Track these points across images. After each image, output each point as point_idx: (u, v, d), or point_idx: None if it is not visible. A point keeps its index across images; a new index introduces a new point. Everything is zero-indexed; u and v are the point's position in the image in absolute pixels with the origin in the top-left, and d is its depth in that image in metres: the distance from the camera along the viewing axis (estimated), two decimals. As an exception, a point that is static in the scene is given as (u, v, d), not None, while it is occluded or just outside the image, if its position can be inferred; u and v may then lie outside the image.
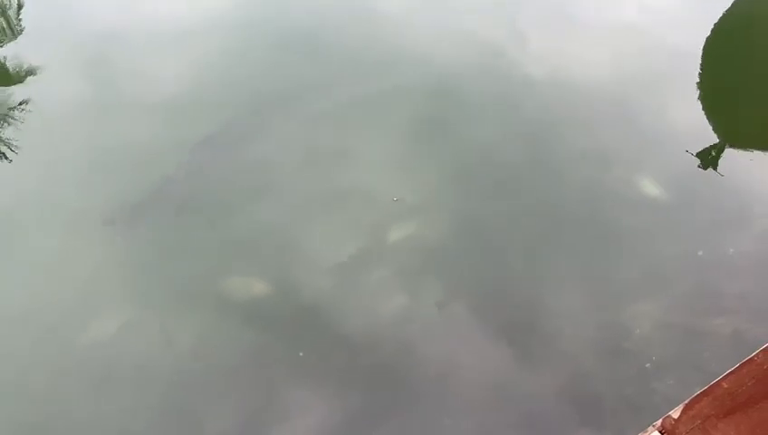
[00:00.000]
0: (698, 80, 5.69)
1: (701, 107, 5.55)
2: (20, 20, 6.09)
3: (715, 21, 6.17)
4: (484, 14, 6.42)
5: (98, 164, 4.71)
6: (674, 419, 2.05)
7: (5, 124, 5.07)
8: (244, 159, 4.79)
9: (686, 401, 1.97)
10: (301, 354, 3.68)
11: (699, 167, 4.91)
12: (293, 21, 6.16)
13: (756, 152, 5.15)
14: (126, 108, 5.19)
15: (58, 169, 4.72)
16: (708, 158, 5.05)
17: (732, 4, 6.34)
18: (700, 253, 4.20)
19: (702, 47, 5.93)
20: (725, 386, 1.85)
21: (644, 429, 2.19)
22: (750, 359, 1.75)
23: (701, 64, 5.80)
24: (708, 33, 6.06)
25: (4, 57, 5.66)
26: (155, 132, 4.93)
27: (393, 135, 5.05)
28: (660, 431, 2.09)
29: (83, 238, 4.27)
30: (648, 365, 3.67)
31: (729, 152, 5.10)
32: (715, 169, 4.93)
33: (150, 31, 5.94)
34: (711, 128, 5.33)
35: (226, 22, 6.04)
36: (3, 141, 4.93)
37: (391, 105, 5.29)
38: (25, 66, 5.55)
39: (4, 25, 5.94)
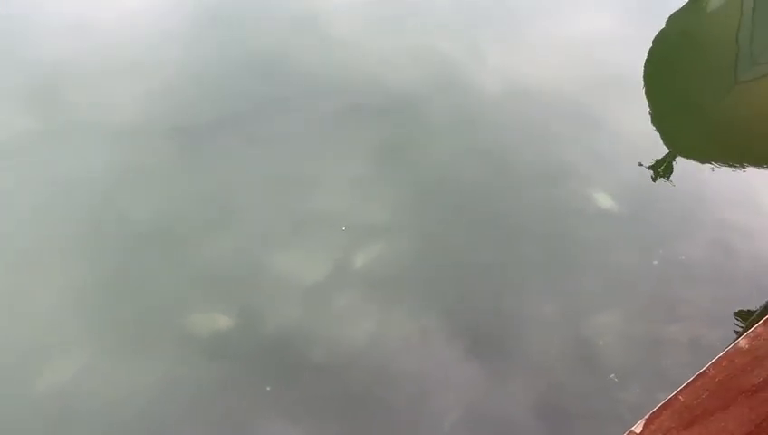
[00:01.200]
0: (645, 94, 5.91)
1: (650, 120, 5.76)
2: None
3: (652, 38, 6.46)
4: (439, 33, 6.54)
5: (47, 195, 4.56)
6: (636, 433, 2.09)
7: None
8: (199, 187, 4.71)
9: (646, 416, 2.02)
10: (268, 389, 3.61)
11: (652, 178, 5.09)
12: (248, 45, 6.14)
13: (704, 162, 5.37)
14: (76, 137, 5.03)
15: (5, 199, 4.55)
16: (659, 169, 5.24)
17: (666, 22, 6.65)
18: (655, 262, 4.33)
19: (644, 64, 6.19)
20: (682, 399, 1.90)
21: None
22: (703, 372, 1.80)
23: (645, 79, 6.04)
24: (648, 49, 6.33)
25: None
26: (105, 162, 4.79)
27: (352, 157, 5.06)
28: (624, 447, 2.13)
29: (35, 275, 4.11)
30: (612, 376, 3.75)
31: (679, 163, 5.30)
32: (667, 178, 5.11)
33: (102, 57, 5.81)
34: (661, 140, 5.54)
35: (180, 48, 5.97)
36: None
37: (349, 127, 5.30)
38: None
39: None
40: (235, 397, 3.60)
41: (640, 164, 5.17)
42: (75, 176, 4.66)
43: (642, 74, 6.08)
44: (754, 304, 4.19)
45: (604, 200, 4.76)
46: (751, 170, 5.33)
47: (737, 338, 1.69)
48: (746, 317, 4.16)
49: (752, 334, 1.60)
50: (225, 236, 4.35)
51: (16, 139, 4.96)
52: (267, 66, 5.86)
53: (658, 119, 5.79)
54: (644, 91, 5.93)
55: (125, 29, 6.08)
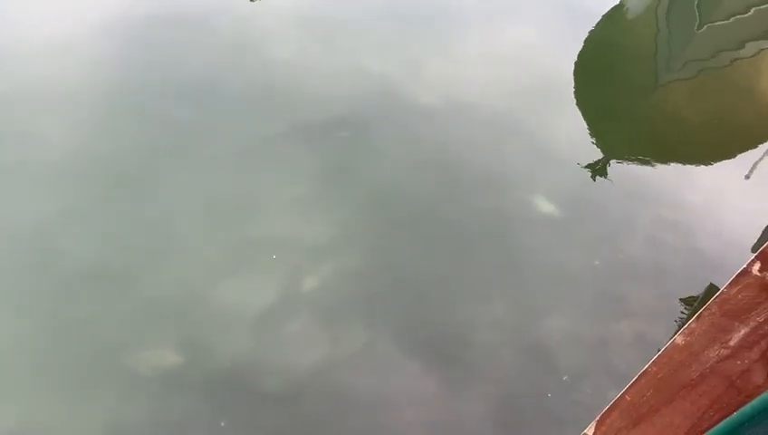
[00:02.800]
0: (576, 102, 6.16)
1: (583, 126, 5.99)
2: None
3: (578, 49, 6.75)
4: (376, 51, 6.61)
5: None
6: (589, 436, 2.14)
7: None
8: (140, 216, 4.55)
9: (596, 418, 2.07)
10: (222, 424, 3.49)
11: (591, 178, 5.29)
12: (186, 70, 6.02)
13: (635, 162, 5.62)
14: (7, 172, 4.79)
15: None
16: (595, 171, 5.44)
17: (589, 32, 6.97)
18: (596, 262, 4.48)
19: (573, 71, 6.45)
20: (629, 399, 1.95)
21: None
22: (646, 370, 1.86)
23: (575, 88, 6.29)
24: (575, 58, 6.61)
25: None
26: (40, 197, 4.58)
27: (295, 178, 5.01)
28: (579, 450, 2.18)
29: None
30: (565, 378, 3.83)
31: (612, 164, 5.53)
32: (603, 179, 5.32)
33: (25, 87, 5.55)
34: (594, 144, 5.76)
35: (116, 74, 5.78)
36: None
37: (291, 147, 5.26)
38: None
39: None
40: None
41: (578, 165, 5.36)
42: (6, 215, 4.44)
43: (573, 82, 6.35)
44: (698, 292, 4.39)
45: (545, 205, 4.91)
46: (677, 167, 5.64)
47: (674, 335, 1.77)
48: (691, 303, 4.35)
49: (686, 331, 1.66)
50: (166, 268, 4.21)
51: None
52: (202, 90, 5.74)
53: (590, 124, 6.03)
54: (575, 99, 6.18)
55: (49, 57, 5.86)
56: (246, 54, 6.32)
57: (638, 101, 6.46)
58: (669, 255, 4.67)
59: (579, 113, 6.12)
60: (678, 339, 1.71)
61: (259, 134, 5.29)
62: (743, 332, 1.60)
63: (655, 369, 1.82)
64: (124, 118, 5.38)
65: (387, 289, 4.28)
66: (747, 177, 5.56)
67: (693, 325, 1.66)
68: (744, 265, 2.12)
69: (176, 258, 4.29)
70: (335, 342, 3.95)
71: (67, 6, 6.49)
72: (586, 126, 5.96)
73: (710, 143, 6.13)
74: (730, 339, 1.58)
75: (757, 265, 2.08)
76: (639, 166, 5.59)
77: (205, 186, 4.84)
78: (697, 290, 4.38)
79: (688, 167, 5.71)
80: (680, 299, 4.32)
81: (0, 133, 5.08)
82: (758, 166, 5.63)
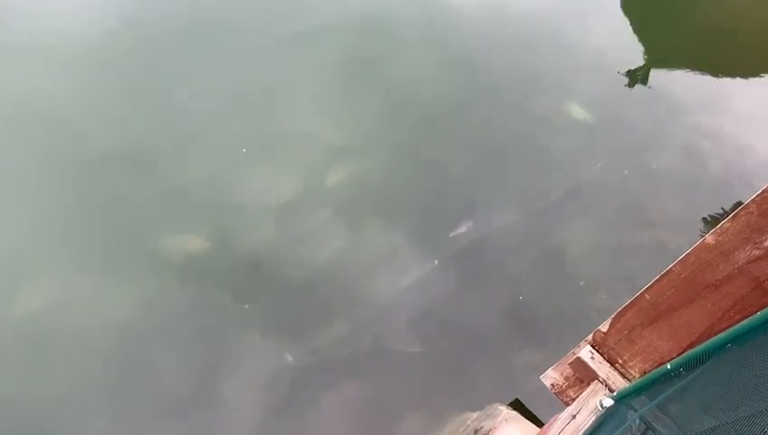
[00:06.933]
0: (622, 3, 5.75)
1: (627, 29, 5.63)
2: None
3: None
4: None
5: (20, 120, 4.34)
6: (603, 332, 2.16)
7: None
8: (166, 108, 4.52)
9: (613, 315, 2.08)
10: (246, 307, 3.63)
11: (626, 86, 5.04)
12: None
13: (679, 69, 5.32)
14: (36, 56, 4.74)
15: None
16: (634, 78, 5.18)
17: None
18: (626, 171, 4.37)
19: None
20: (648, 297, 1.95)
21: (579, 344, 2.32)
22: (669, 270, 1.84)
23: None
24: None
25: None
26: (76, 81, 4.56)
27: (323, 74, 4.89)
28: (592, 345, 2.21)
29: (5, 201, 3.98)
30: (581, 283, 3.86)
31: (654, 71, 5.24)
32: (643, 86, 5.07)
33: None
34: (636, 49, 5.44)
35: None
36: None
37: (320, 44, 5.09)
38: None
39: None
40: (215, 316, 3.62)
41: (617, 72, 5.09)
42: (38, 97, 4.42)
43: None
44: (725, 208, 4.29)
45: (578, 111, 4.72)
46: (721, 81, 5.32)
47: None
48: (716, 223, 4.26)
49: (719, 230, 1.61)
50: (193, 157, 4.23)
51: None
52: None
53: (635, 28, 5.67)
54: (620, 1, 5.77)
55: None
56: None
57: (689, 6, 6.01)
58: (701, 169, 4.52)
59: (623, 16, 5.74)
60: (709, 238, 1.67)
61: (289, 30, 5.11)
62: (778, 234, 1.54)
63: (679, 268, 1.79)
64: (158, 7, 5.22)
65: (407, 187, 4.26)
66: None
67: (726, 225, 1.60)
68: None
69: (203, 147, 4.29)
70: (353, 236, 4.00)
71: None
72: (630, 30, 5.61)
73: (759, 58, 5.74)
74: (765, 240, 1.53)
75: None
76: (681, 76, 5.30)
77: (235, 78, 4.75)
78: (726, 205, 4.28)
79: (733, 80, 5.39)
80: (708, 215, 4.23)
81: (32, 15, 4.99)
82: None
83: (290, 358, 3.49)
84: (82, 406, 3.26)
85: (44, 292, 3.65)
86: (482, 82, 4.94)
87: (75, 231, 3.93)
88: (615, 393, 2.04)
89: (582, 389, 2.24)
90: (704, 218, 4.18)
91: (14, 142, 4.23)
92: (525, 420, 2.88)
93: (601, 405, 2.04)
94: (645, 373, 2.00)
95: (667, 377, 1.81)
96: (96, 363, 3.41)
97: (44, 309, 3.59)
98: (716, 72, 5.40)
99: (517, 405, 3.20)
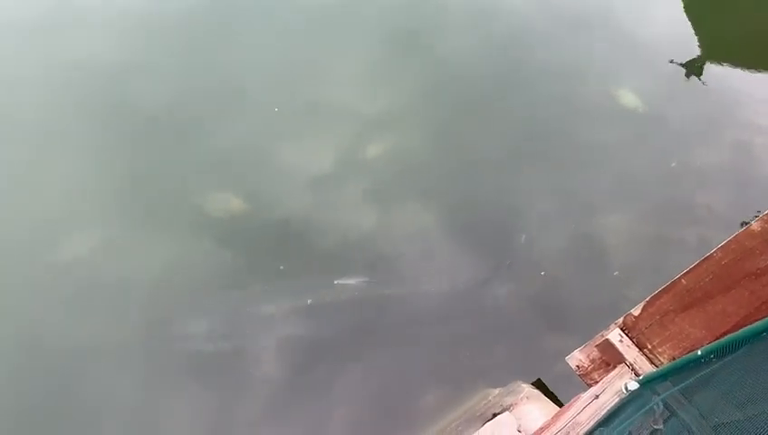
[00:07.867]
0: None
1: (683, 18, 5.43)
2: None
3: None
4: None
5: (62, 84, 4.50)
6: (634, 316, 2.13)
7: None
8: (213, 72, 4.61)
9: (647, 299, 2.05)
10: (281, 268, 3.71)
11: (685, 76, 4.88)
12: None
13: (736, 65, 5.11)
14: (85, 22, 4.89)
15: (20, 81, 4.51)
16: (691, 70, 5.00)
17: None
18: (673, 164, 4.24)
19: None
20: (684, 283, 1.91)
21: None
22: (709, 256, 1.80)
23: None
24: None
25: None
26: (132, 48, 4.69)
27: (366, 48, 4.89)
28: (621, 328, 2.18)
29: (55, 155, 4.13)
30: (616, 273, 3.79)
31: (711, 64, 5.05)
32: (698, 79, 4.90)
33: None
34: (693, 40, 5.25)
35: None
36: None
37: (364, 18, 5.09)
38: None
39: None
40: (252, 275, 3.71)
41: (672, 62, 4.93)
42: (86, 59, 4.58)
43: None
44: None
45: (628, 98, 4.59)
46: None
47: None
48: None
49: (766, 217, 1.56)
50: (239, 122, 4.31)
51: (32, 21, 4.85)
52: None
53: (692, 17, 5.46)
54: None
55: None
56: None
57: (750, 2, 5.75)
58: (751, 166, 4.36)
59: (680, 3, 5.54)
60: (755, 225, 1.62)
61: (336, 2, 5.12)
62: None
63: (720, 254, 1.75)
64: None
65: (446, 166, 4.24)
66: None
67: (774, 212, 1.56)
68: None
69: (249, 113, 4.37)
70: (390, 207, 4.01)
71: None
72: (686, 19, 5.41)
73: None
74: (812, 229, 1.48)
75: None
76: (738, 69, 5.09)
77: (278, 48, 4.80)
78: (777, 206, 4.12)
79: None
80: (757, 213, 4.08)
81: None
82: None
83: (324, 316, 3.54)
84: (115, 354, 3.38)
85: (88, 241, 3.80)
86: (527, 63, 4.86)
87: (122, 186, 4.06)
88: (641, 377, 2.01)
89: (607, 372, 2.22)
90: (754, 217, 4.04)
91: (70, 101, 4.38)
92: (546, 398, 2.88)
93: (626, 388, 2.01)
94: (674, 360, 1.97)
95: (696, 364, 1.78)
96: (133, 313, 3.54)
97: (87, 258, 3.73)
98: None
99: (539, 385, 3.19)
